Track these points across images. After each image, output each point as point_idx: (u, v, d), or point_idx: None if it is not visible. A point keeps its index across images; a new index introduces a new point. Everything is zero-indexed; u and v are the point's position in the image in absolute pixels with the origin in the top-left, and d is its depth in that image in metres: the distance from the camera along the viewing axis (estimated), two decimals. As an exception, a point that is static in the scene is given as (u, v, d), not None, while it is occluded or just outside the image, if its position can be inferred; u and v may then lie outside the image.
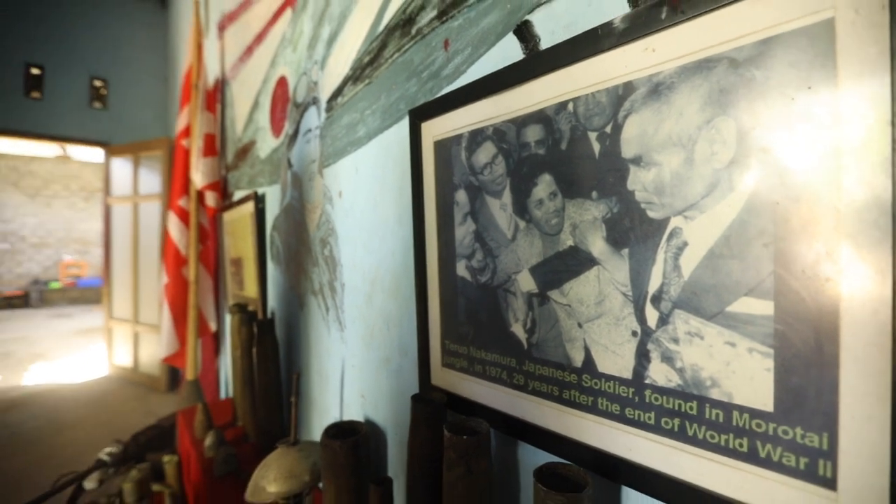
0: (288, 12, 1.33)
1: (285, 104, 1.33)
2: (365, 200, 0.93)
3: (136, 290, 3.50)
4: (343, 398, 1.03)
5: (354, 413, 0.99)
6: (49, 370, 3.99)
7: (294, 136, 1.26)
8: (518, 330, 0.60)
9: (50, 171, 8.92)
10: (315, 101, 1.14)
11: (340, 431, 0.86)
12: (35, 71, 3.49)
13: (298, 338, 1.26)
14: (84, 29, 3.67)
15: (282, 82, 1.37)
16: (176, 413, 2.54)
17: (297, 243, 1.23)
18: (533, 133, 0.57)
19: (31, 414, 3.02)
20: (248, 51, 1.68)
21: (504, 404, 0.62)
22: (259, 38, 1.57)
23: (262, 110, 1.54)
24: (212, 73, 2.09)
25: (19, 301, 7.65)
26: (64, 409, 3.10)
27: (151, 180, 3.37)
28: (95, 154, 6.56)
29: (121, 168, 3.59)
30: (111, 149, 3.62)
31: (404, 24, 0.82)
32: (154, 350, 3.43)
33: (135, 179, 3.47)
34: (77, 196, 9.17)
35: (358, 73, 0.95)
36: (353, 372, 0.99)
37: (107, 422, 2.90)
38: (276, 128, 1.40)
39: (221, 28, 2.06)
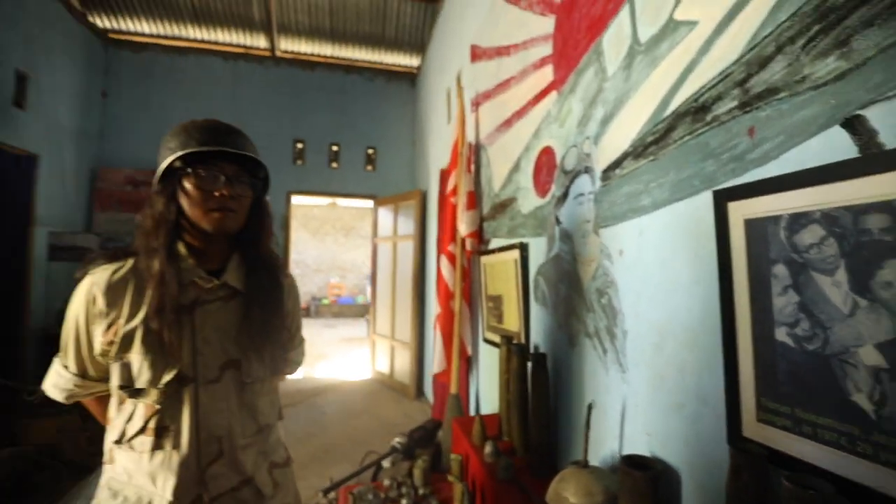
0: (553, 94, 1.60)
1: (551, 170, 1.59)
2: (651, 260, 1.06)
3: (394, 312, 4.41)
4: (623, 432, 1.17)
5: (638, 448, 1.10)
6: (330, 368, 5.32)
7: (563, 198, 1.49)
8: (862, 400, 0.63)
9: (324, 215, 11.93)
10: (588, 171, 1.34)
11: (633, 463, 0.99)
12: (335, 148, 4.87)
13: (567, 371, 1.46)
14: (364, 113, 4.94)
15: (546, 151, 1.64)
16: (432, 417, 3.08)
17: (568, 290, 1.45)
18: (877, 221, 0.61)
19: (330, 400, 4.09)
20: (507, 123, 2.04)
21: (843, 469, 0.65)
22: (519, 113, 1.91)
23: (523, 173, 1.85)
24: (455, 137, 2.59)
25: (304, 313, 10.39)
26: (350, 400, 4.10)
27: (407, 224, 4.24)
28: (357, 202, 8.44)
29: (384, 215, 4.64)
30: (378, 200, 4.72)
31: (696, 111, 0.94)
32: (405, 362, 4.23)
33: (394, 224, 4.43)
34: (339, 233, 12.01)
35: (640, 151, 1.11)
36: (636, 411, 1.11)
37: (378, 416, 3.71)
38: (541, 189, 1.67)
39: (476, 104, 2.54)
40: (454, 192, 2.39)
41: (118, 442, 0.84)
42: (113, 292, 0.84)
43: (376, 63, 5.14)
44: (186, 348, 0.84)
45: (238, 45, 4.85)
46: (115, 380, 0.84)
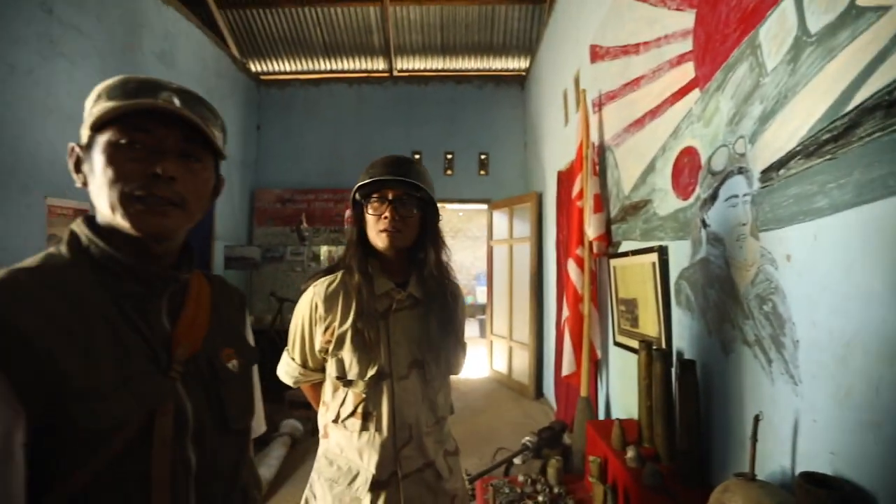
0: (694, 93, 1.54)
1: (695, 171, 1.53)
2: (830, 266, 0.99)
3: (511, 314, 4.50)
4: (796, 448, 1.10)
5: (817, 466, 1.03)
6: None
7: (711, 200, 1.43)
8: None
9: (433, 219, 12.50)
10: (742, 171, 1.28)
11: (812, 480, 0.94)
12: (448, 156, 5.12)
13: (721, 380, 1.40)
14: (475, 119, 5.13)
15: (688, 151, 1.58)
16: (557, 419, 3.10)
17: (720, 295, 1.39)
18: None
19: (454, 397, 4.33)
20: (638, 123, 1.99)
21: None
22: (653, 113, 1.86)
23: (659, 174, 1.80)
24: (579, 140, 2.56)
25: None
26: (471, 398, 4.28)
27: (522, 226, 4.30)
28: (469, 206, 8.70)
29: (499, 218, 4.75)
30: (492, 204, 4.86)
31: (890, 105, 0.86)
32: (523, 363, 4.28)
33: (510, 226, 4.52)
34: (448, 235, 12.47)
35: (812, 149, 1.03)
36: (815, 426, 1.04)
37: (500, 414, 3.83)
38: (683, 191, 1.61)
39: (598, 104, 2.51)
40: (580, 195, 2.39)
41: (334, 421, 1.06)
42: (329, 301, 1.06)
43: (485, 70, 5.29)
44: (383, 348, 1.02)
45: (360, 71, 5.38)
46: (332, 371, 1.06)
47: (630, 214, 2.09)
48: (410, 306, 1.06)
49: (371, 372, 1.00)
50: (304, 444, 2.99)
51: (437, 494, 1.04)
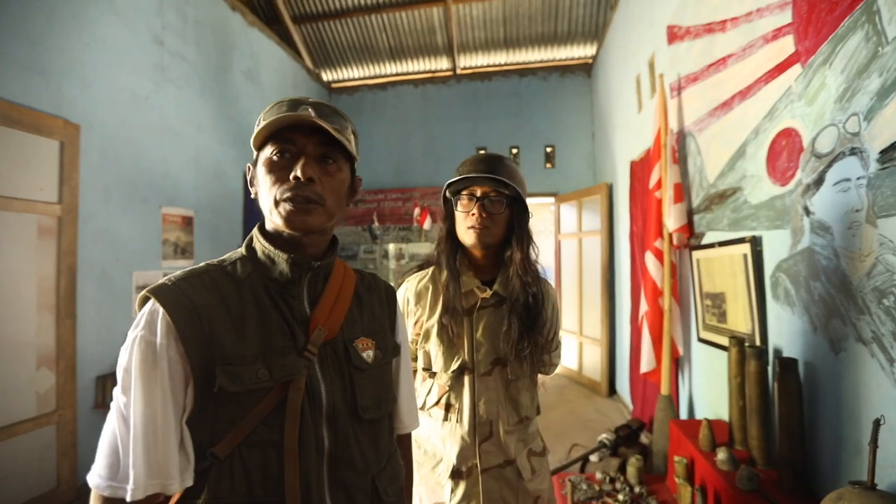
0: (794, 69, 1.42)
1: (795, 154, 1.41)
2: (970, 255, 0.88)
3: (581, 309, 4.39)
4: (927, 458, 0.99)
5: (955, 479, 0.93)
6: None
7: (815, 185, 1.31)
8: None
9: (496, 214, 12.43)
10: (855, 152, 1.16)
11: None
12: (514, 150, 5.08)
13: (829, 381, 1.28)
14: (540, 112, 5.04)
15: (787, 133, 1.46)
16: (634, 417, 3.00)
17: (827, 289, 1.27)
18: None
19: (522, 391, 4.32)
20: (725, 106, 1.87)
21: None
22: (743, 94, 1.73)
23: (751, 160, 1.68)
24: (657, 128, 2.43)
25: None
26: (541, 393, 4.25)
27: (592, 219, 4.17)
28: (537, 200, 8.59)
29: (567, 211, 4.64)
30: (559, 197, 4.75)
31: None
32: (595, 359, 4.17)
33: (579, 219, 4.40)
34: (512, 230, 12.40)
35: (945, 123, 0.92)
36: (951, 434, 0.93)
37: (572, 411, 3.76)
38: (780, 176, 1.49)
39: (677, 88, 2.37)
40: (658, 185, 2.28)
41: (421, 408, 1.12)
42: (419, 296, 1.12)
43: (549, 61, 5.18)
44: (467, 344, 1.06)
45: (425, 71, 5.49)
46: (420, 362, 1.12)
47: (716, 204, 1.96)
48: (495, 304, 1.08)
49: (454, 365, 1.05)
50: None
51: (518, 493, 1.05)
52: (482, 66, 5.37)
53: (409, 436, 0.87)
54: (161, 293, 0.57)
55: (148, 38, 2.83)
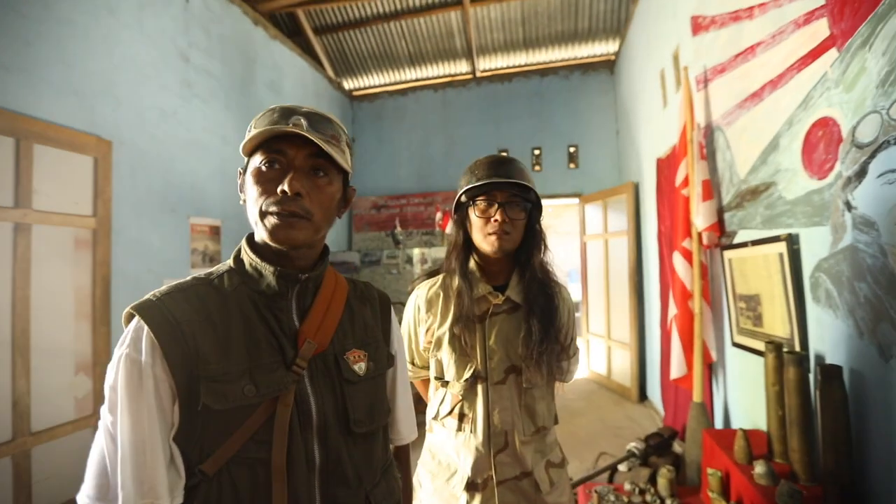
0: (830, 53, 1.32)
1: (833, 145, 1.31)
2: None
3: (608, 311, 4.26)
4: None
5: None
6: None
7: (857, 177, 1.22)
8: None
9: (520, 216, 12.28)
10: (901, 140, 1.07)
11: None
12: (536, 151, 5.01)
13: (879, 390, 1.18)
14: (562, 111, 4.95)
15: (823, 123, 1.36)
16: (665, 425, 2.87)
17: (872, 289, 1.17)
18: None
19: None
20: (755, 97, 1.76)
21: None
22: (773, 83, 1.63)
23: (785, 152, 1.57)
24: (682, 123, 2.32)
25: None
26: (568, 398, 4.14)
27: (618, 219, 4.05)
28: (561, 202, 8.44)
29: (592, 212, 4.53)
30: (584, 198, 4.64)
31: None
32: (624, 363, 4.03)
33: (604, 220, 4.28)
34: (537, 232, 12.21)
35: None
36: None
37: (600, 417, 3.65)
38: (818, 169, 1.39)
39: (703, 81, 2.27)
40: (686, 182, 2.18)
41: (434, 418, 1.09)
42: (430, 303, 1.09)
43: (570, 59, 5.09)
44: (479, 352, 1.02)
45: (444, 76, 5.49)
46: (432, 371, 1.09)
47: (747, 200, 1.86)
48: (509, 310, 1.04)
49: (466, 374, 1.01)
50: (420, 438, 3.12)
51: None
52: (502, 68, 5.32)
53: (406, 447, 0.85)
54: (145, 310, 0.56)
55: (175, 55, 2.94)
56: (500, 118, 5.15)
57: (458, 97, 5.36)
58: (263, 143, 0.61)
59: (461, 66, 5.36)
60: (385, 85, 5.69)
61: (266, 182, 0.60)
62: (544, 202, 6.01)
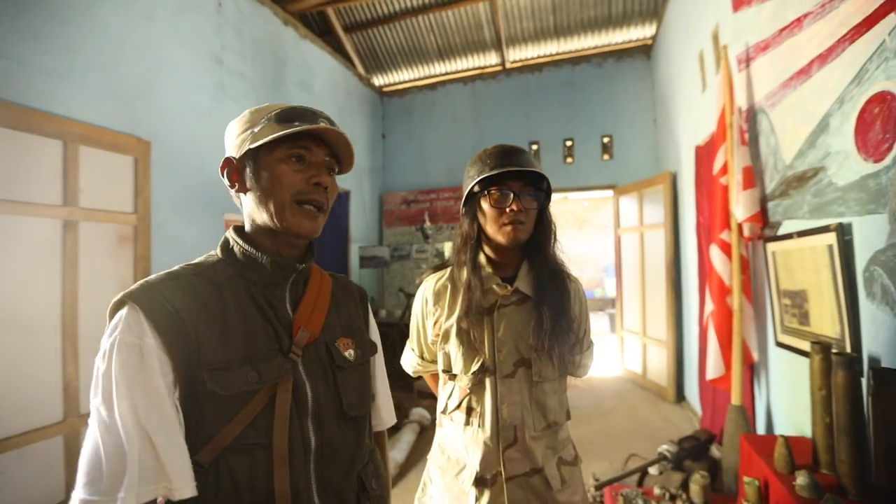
0: (888, 20, 1.18)
1: (890, 123, 1.18)
2: None
3: (644, 307, 4.09)
4: None
5: None
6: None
7: (918, 159, 1.08)
8: None
9: (557, 210, 11.95)
10: (970, 114, 0.93)
11: None
12: (568, 143, 4.86)
13: (942, 398, 1.05)
14: (596, 101, 4.77)
15: (880, 98, 1.22)
16: (703, 428, 2.72)
17: (937, 284, 1.04)
18: None
19: (581, 395, 4.07)
20: (802, 73, 1.61)
21: None
22: (822, 58, 1.48)
23: (836, 133, 1.43)
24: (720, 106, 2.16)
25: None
26: (600, 397, 4.01)
27: (654, 211, 3.87)
28: (594, 194, 8.19)
29: (627, 204, 4.35)
30: (619, 189, 4.47)
31: None
32: (660, 362, 3.86)
33: (640, 212, 4.10)
34: (572, 226, 11.90)
35: None
36: None
37: (633, 417, 3.51)
38: (873, 151, 1.25)
39: (745, 60, 2.10)
40: (724, 170, 2.04)
41: (443, 412, 1.07)
42: (437, 296, 1.07)
43: (604, 46, 4.89)
44: (488, 345, 0.99)
45: (474, 68, 5.42)
46: (440, 364, 1.07)
47: (794, 188, 1.71)
48: (517, 302, 1.00)
49: (474, 367, 0.98)
50: (431, 432, 3.13)
51: None
52: (532, 58, 5.19)
53: (384, 433, 0.89)
54: (138, 297, 0.56)
55: (209, 58, 3.05)
56: (531, 109, 5.03)
57: (487, 89, 5.28)
58: (288, 138, 0.63)
59: (490, 58, 5.27)
60: (414, 80, 5.68)
61: (294, 173, 0.64)
62: (578, 195, 5.87)
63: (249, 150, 0.64)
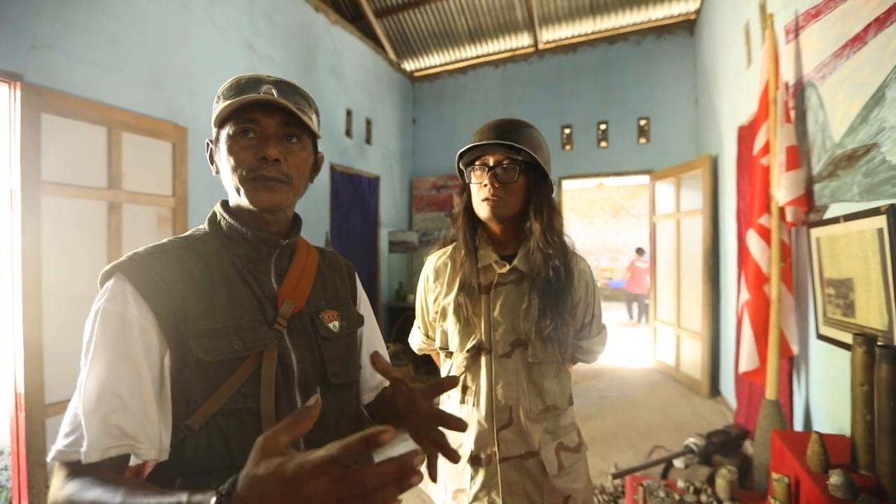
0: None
1: (953, 92, 1.05)
2: None
3: (679, 297, 3.92)
4: None
5: None
6: (606, 352, 5.18)
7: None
8: None
9: (591, 197, 11.70)
10: None
11: None
12: (602, 126, 4.68)
13: None
14: (632, 82, 4.55)
15: (942, 66, 1.09)
16: (736, 423, 2.61)
17: None
18: None
19: (609, 385, 4.02)
20: (856, 40, 1.47)
21: None
22: (880, 21, 1.34)
23: (890, 106, 1.30)
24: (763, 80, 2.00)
25: (577, 295, 10.48)
26: (630, 388, 3.92)
27: (692, 197, 3.68)
28: (629, 180, 7.93)
29: (663, 190, 4.16)
30: (655, 174, 4.27)
31: None
32: (694, 354, 3.71)
33: (677, 198, 3.91)
34: (608, 214, 11.55)
35: None
36: None
37: (661, 409, 3.41)
38: (932, 124, 1.13)
39: (794, 30, 1.94)
40: (765, 150, 1.90)
41: None
42: (437, 273, 1.06)
43: (643, 23, 4.64)
44: (483, 323, 0.97)
45: (506, 50, 5.30)
46: (438, 341, 1.07)
47: (842, 168, 1.57)
48: (515, 281, 0.98)
49: (469, 345, 0.97)
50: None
51: (544, 489, 0.95)
52: (566, 38, 5.00)
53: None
54: (125, 268, 0.58)
55: (241, 45, 3.13)
56: (563, 92, 4.86)
57: (519, 72, 5.14)
58: (235, 114, 0.62)
59: (523, 40, 5.13)
60: (445, 64, 5.62)
61: (242, 150, 0.63)
62: (612, 180, 5.69)
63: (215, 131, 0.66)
